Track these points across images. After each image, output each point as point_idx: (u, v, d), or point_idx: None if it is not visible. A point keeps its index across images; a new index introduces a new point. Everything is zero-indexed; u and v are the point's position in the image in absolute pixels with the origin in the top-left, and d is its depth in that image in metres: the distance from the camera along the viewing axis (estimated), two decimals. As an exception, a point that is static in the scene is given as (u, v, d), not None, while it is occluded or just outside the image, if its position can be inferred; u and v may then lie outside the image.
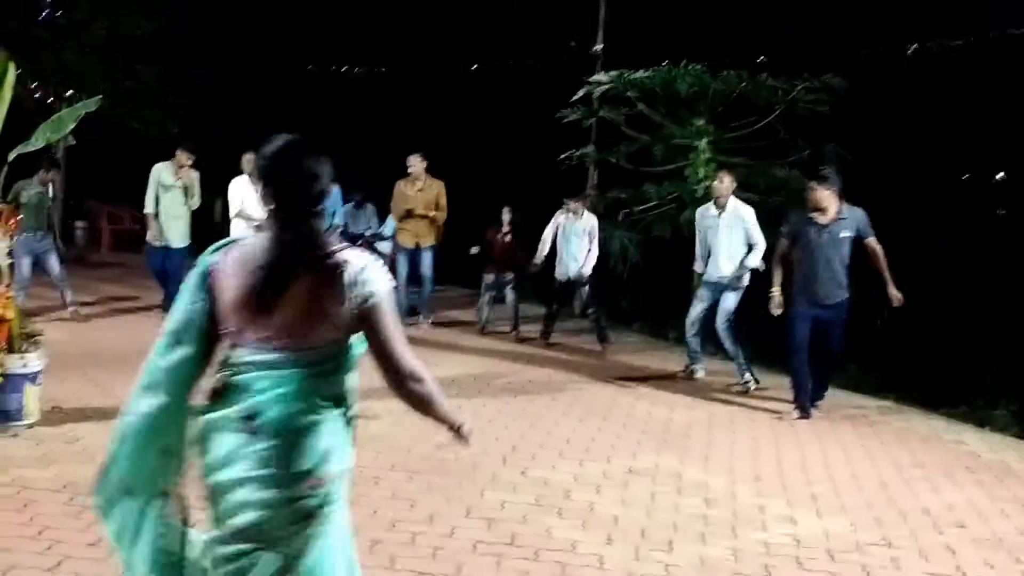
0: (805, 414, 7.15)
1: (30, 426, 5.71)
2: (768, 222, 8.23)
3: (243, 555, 2.40)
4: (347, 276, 2.38)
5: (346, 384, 2.52)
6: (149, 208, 9.80)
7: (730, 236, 8.24)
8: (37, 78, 15.75)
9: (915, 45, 9.47)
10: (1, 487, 4.66)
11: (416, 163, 10.28)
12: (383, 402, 6.33)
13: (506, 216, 10.43)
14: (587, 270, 9.70)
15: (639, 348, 10.24)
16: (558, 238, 9.81)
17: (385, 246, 15.12)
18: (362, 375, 2.56)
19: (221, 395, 2.46)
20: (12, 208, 5.71)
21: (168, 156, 10.05)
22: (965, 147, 12.03)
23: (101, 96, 6.45)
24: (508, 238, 10.42)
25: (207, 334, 2.49)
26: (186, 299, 2.49)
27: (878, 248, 7.09)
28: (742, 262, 8.15)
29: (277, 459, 2.36)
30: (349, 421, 2.53)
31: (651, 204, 11.16)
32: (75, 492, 4.60)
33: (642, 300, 11.90)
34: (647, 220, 11.22)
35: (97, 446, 5.39)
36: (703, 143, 10.87)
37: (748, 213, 8.30)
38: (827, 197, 6.95)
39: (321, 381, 2.44)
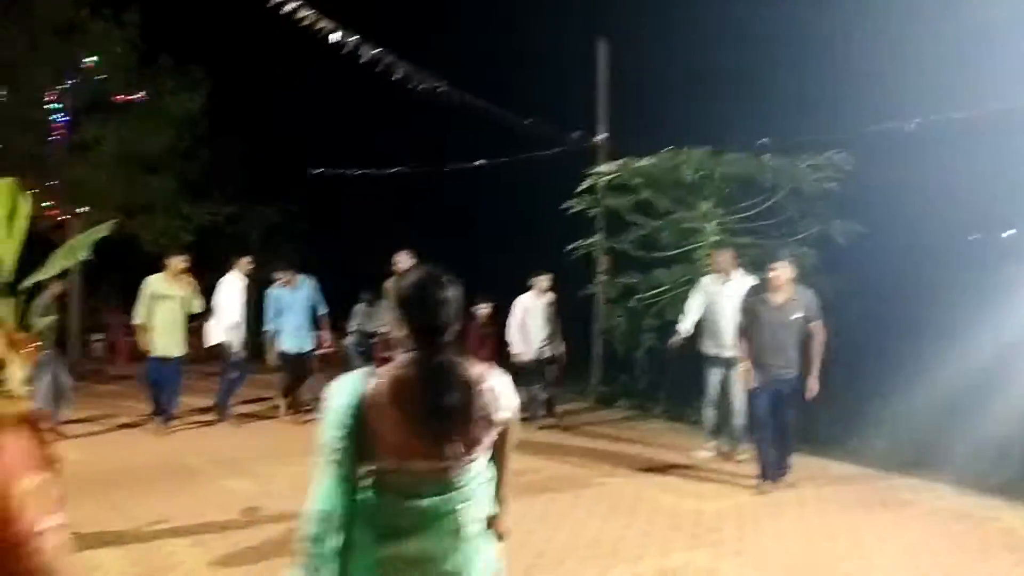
0: (764, 484, 7.43)
1: (49, 556, 5.61)
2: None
3: None
4: (494, 394, 2.48)
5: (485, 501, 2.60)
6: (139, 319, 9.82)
7: None
8: (50, 197, 16.07)
9: (917, 120, 9.55)
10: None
11: (404, 260, 10.20)
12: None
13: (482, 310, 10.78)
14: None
15: (661, 433, 10.11)
16: (527, 319, 10.27)
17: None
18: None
19: (390, 530, 2.43)
20: (27, 336, 5.69)
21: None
22: (972, 211, 12.00)
23: (115, 220, 6.52)
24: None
25: (356, 464, 2.44)
26: (337, 429, 2.40)
27: (819, 334, 7.35)
28: None
29: None
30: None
31: (663, 288, 11.16)
32: (95, 627, 4.51)
33: (660, 384, 11.78)
34: (660, 304, 11.22)
35: (117, 572, 5.31)
36: (711, 225, 10.91)
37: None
38: (782, 279, 7.32)
39: (475, 502, 2.51)
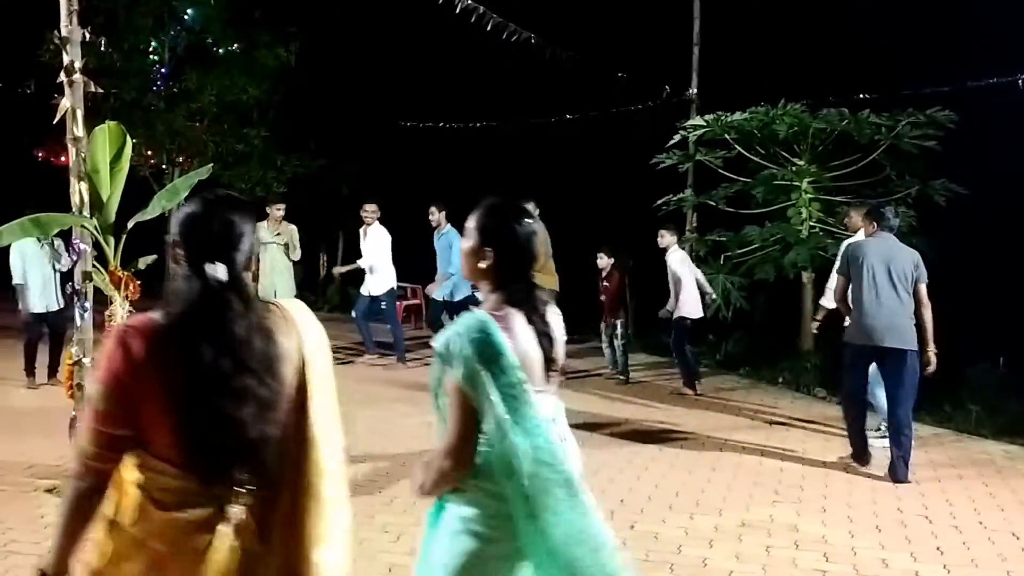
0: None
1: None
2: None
3: None
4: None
5: None
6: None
7: None
8: (151, 145, 16.55)
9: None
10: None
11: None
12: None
13: (600, 262, 10.05)
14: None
15: (747, 393, 9.97)
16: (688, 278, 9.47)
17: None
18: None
19: None
20: (131, 275, 5.90)
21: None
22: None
23: (213, 164, 6.72)
24: (606, 283, 10.08)
25: None
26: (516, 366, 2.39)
27: None
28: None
29: None
30: None
31: (753, 247, 10.98)
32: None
33: (748, 344, 11.61)
34: (749, 263, 11.04)
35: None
36: (805, 183, 10.66)
37: None
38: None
39: None
